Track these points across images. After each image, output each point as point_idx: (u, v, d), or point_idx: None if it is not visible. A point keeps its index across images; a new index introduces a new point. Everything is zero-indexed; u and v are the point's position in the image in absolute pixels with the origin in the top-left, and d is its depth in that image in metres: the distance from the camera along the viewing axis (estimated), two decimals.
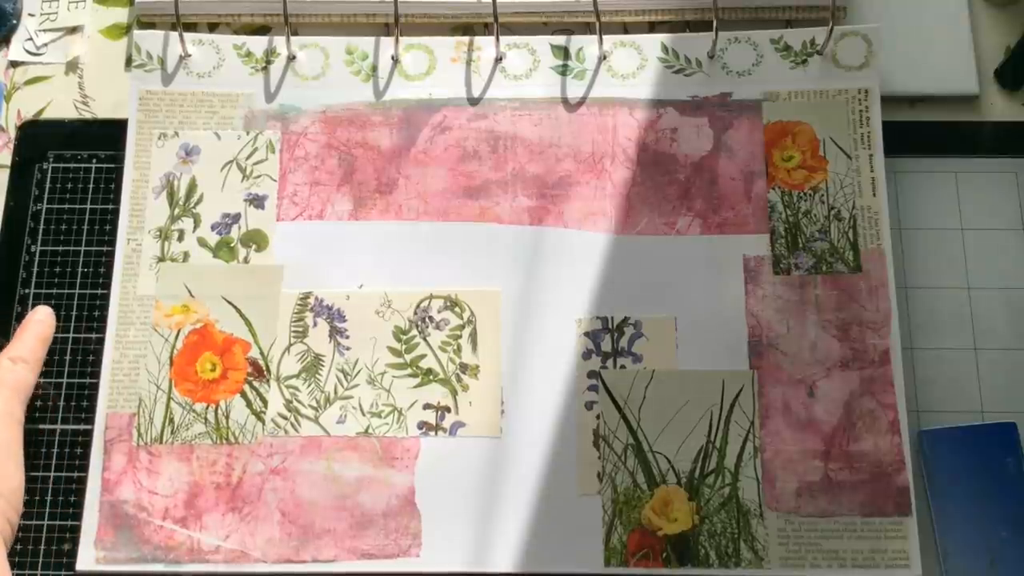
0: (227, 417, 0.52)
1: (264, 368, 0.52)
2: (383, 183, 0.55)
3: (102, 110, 0.58)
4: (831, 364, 0.52)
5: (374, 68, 0.57)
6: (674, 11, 0.58)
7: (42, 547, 0.51)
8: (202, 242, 0.54)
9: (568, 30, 0.59)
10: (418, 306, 0.53)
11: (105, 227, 0.55)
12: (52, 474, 0.52)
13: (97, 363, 0.53)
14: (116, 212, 0.55)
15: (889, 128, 0.55)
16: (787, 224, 0.54)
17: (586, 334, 0.52)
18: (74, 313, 0.54)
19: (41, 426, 0.52)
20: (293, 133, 0.55)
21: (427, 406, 0.52)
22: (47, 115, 0.58)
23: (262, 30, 0.59)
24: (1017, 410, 0.52)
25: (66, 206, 0.56)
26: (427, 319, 0.53)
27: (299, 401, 0.52)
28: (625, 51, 0.56)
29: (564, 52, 0.57)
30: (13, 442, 0.48)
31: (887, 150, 0.54)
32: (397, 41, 0.56)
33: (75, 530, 0.50)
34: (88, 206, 0.56)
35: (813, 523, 0.50)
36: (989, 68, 0.58)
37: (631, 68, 0.56)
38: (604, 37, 0.56)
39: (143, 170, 0.55)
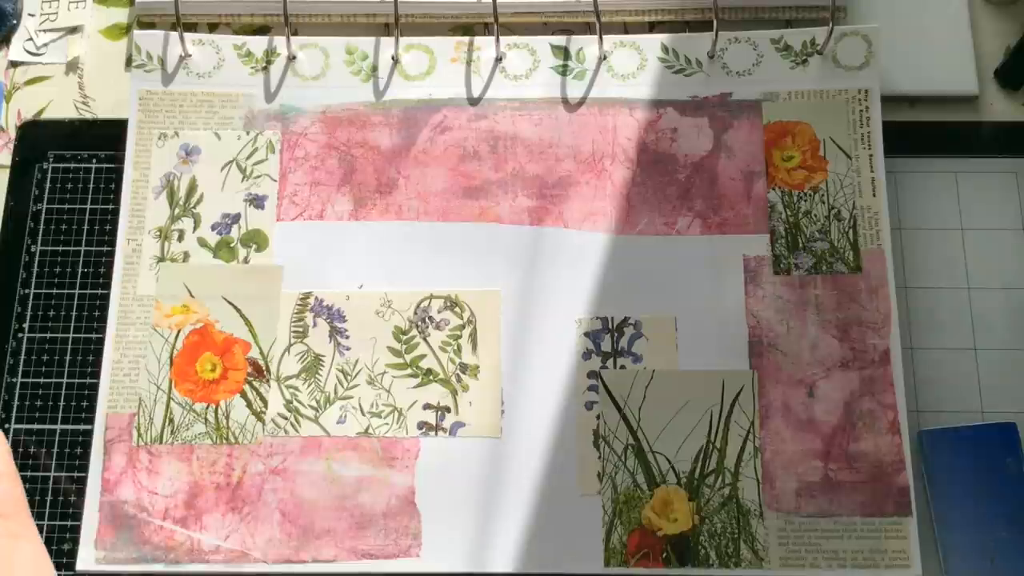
0: (227, 417, 0.52)
1: (264, 368, 0.52)
2: (383, 183, 0.55)
3: (102, 110, 0.58)
4: (831, 364, 0.52)
5: (374, 68, 0.57)
6: (674, 11, 0.58)
7: None
8: (202, 242, 0.54)
9: (568, 30, 0.59)
10: (418, 306, 0.53)
11: (105, 227, 0.55)
12: (52, 474, 0.52)
13: (97, 363, 0.53)
14: (116, 212, 0.55)
15: (889, 128, 0.55)
16: (787, 224, 0.54)
17: (586, 334, 0.52)
18: (74, 313, 0.54)
19: (41, 426, 0.52)
20: (293, 133, 0.55)
21: (427, 406, 0.52)
22: (47, 115, 0.58)
23: (262, 30, 0.59)
24: (1017, 410, 0.52)
25: (66, 206, 0.56)
26: (427, 319, 0.53)
27: (299, 401, 0.52)
28: (625, 51, 0.56)
29: (564, 52, 0.57)
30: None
31: (887, 150, 0.54)
32: (397, 41, 0.56)
33: (75, 530, 0.50)
34: (88, 206, 0.56)
35: (813, 523, 0.50)
36: (989, 68, 0.58)
37: (631, 68, 0.56)
38: (604, 37, 0.56)
39: (143, 170, 0.55)
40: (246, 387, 0.52)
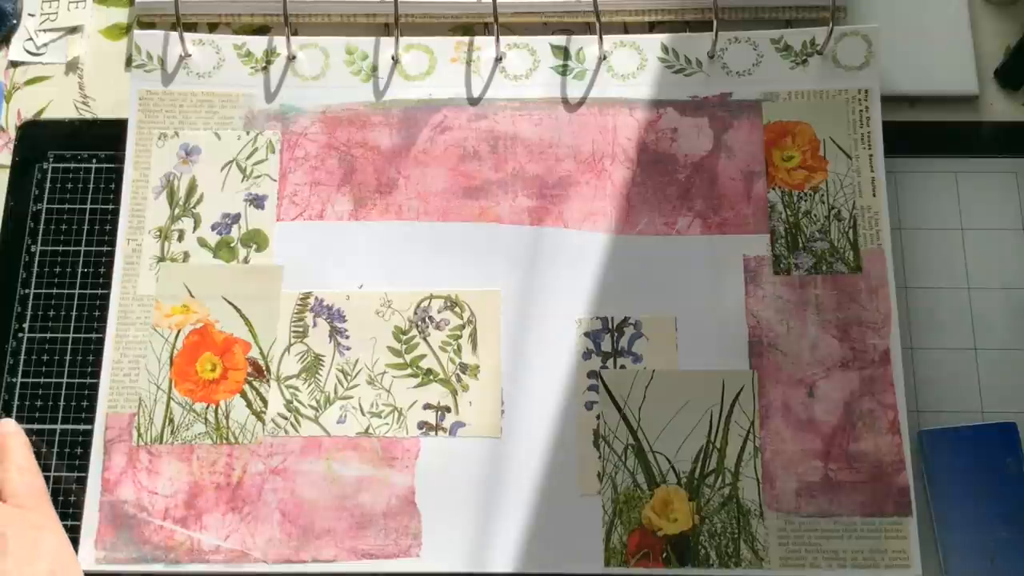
0: (227, 417, 0.52)
1: (264, 368, 0.52)
2: (383, 183, 0.55)
3: (102, 110, 0.58)
4: (831, 364, 0.52)
5: (374, 68, 0.57)
6: (674, 11, 0.58)
7: None
8: (202, 242, 0.54)
9: (568, 30, 0.59)
10: (418, 306, 0.53)
11: (105, 227, 0.55)
12: (52, 474, 0.52)
13: (97, 363, 0.53)
14: (116, 212, 0.55)
15: (889, 128, 0.55)
16: (787, 224, 0.54)
17: (586, 334, 0.52)
18: (74, 313, 0.54)
19: (41, 426, 0.52)
20: (293, 133, 0.55)
21: (427, 406, 0.52)
22: (47, 115, 0.58)
23: (262, 30, 0.59)
24: (1017, 410, 0.52)
25: (66, 206, 0.56)
26: (427, 319, 0.53)
27: (299, 401, 0.52)
28: (625, 51, 0.56)
29: (564, 52, 0.57)
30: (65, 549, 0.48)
31: (887, 150, 0.54)
32: (397, 41, 0.56)
33: (75, 530, 0.50)
34: (88, 206, 0.56)
35: (813, 523, 0.50)
36: (989, 68, 0.58)
37: (631, 68, 0.56)
38: (604, 37, 0.56)
39: (143, 170, 0.55)
40: (246, 387, 0.52)
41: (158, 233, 0.54)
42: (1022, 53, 0.57)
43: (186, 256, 0.54)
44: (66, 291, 0.54)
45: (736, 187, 0.54)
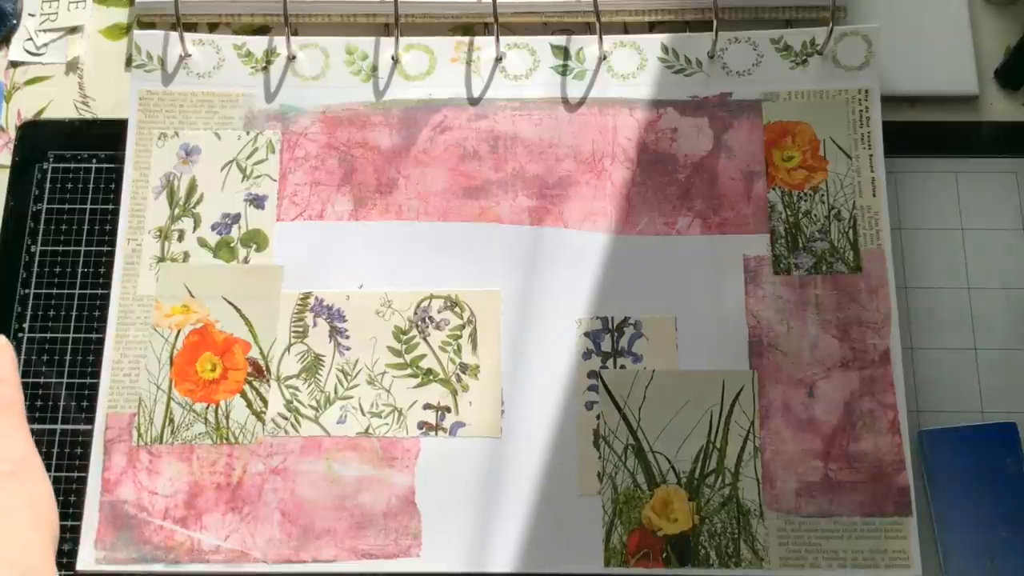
0: (227, 417, 0.52)
1: (264, 368, 0.52)
2: (383, 183, 0.55)
3: (102, 110, 0.58)
4: (831, 364, 0.52)
5: (374, 68, 0.57)
6: (674, 11, 0.58)
7: None
8: (202, 242, 0.54)
9: (568, 30, 0.59)
10: (418, 306, 0.53)
11: (105, 227, 0.55)
12: (52, 474, 0.52)
13: (97, 363, 0.53)
14: (116, 212, 0.55)
15: (889, 128, 0.55)
16: (787, 224, 0.54)
17: (586, 334, 0.52)
18: (74, 313, 0.54)
19: (41, 426, 0.52)
20: (293, 133, 0.55)
21: (427, 406, 0.52)
22: (47, 115, 0.58)
23: (262, 30, 0.59)
24: (1017, 410, 0.52)
25: (66, 206, 0.56)
26: (427, 319, 0.53)
27: (299, 401, 0.52)
28: (625, 51, 0.56)
29: (564, 52, 0.57)
30: (32, 455, 0.49)
31: (887, 150, 0.54)
32: (397, 41, 0.56)
33: (75, 530, 0.50)
34: (88, 206, 0.56)
35: (813, 523, 0.50)
36: (989, 68, 0.58)
37: (631, 68, 0.56)
38: (604, 37, 0.56)
39: (143, 170, 0.55)
40: (246, 387, 0.52)
41: (158, 233, 0.54)
42: (1022, 53, 0.57)
43: (186, 256, 0.54)
44: (66, 291, 0.54)
45: (736, 187, 0.54)
